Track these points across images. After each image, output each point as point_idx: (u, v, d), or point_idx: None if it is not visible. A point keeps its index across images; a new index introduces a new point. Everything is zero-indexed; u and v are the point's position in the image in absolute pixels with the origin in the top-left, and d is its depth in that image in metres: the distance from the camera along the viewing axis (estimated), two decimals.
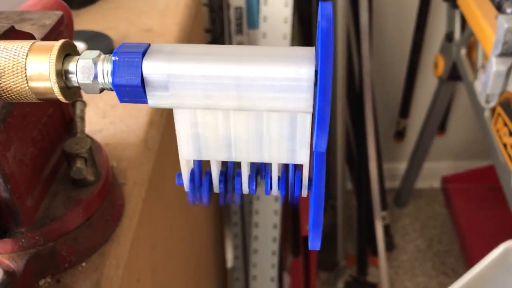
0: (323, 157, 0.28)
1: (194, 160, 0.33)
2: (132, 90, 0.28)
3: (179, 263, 0.79)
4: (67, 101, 0.29)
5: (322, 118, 0.24)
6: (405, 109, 1.69)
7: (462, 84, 1.37)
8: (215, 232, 1.24)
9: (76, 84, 0.29)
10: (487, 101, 0.86)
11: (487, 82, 0.84)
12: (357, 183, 1.54)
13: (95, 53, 0.29)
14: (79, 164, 0.41)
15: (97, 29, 0.75)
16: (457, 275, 1.57)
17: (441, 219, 1.80)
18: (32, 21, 0.40)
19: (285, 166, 0.32)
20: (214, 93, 0.28)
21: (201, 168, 0.33)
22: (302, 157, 0.30)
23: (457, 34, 1.20)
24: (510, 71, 0.81)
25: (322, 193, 0.28)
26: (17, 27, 0.34)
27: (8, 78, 0.28)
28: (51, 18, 0.41)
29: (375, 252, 1.52)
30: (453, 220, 1.69)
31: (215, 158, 0.31)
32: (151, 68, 0.28)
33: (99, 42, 0.69)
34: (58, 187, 0.43)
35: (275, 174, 0.32)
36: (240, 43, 1.20)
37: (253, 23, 1.17)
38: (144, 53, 0.28)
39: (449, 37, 1.24)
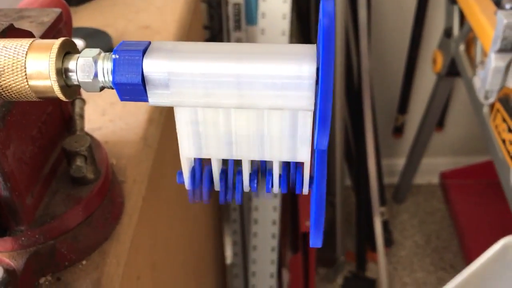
0: (324, 155, 0.27)
1: (194, 158, 0.33)
2: (133, 89, 0.28)
3: (178, 260, 0.79)
4: (67, 100, 0.29)
5: (323, 116, 0.24)
6: (403, 105, 1.69)
7: (460, 80, 1.38)
8: (214, 229, 1.24)
9: (76, 83, 0.29)
10: (486, 97, 0.86)
11: (486, 78, 0.84)
12: (356, 179, 1.54)
13: (95, 51, 0.29)
14: (79, 162, 0.41)
15: (95, 26, 0.75)
16: (456, 270, 1.58)
17: (439, 215, 1.80)
18: (30, 18, 0.40)
19: (286, 164, 0.32)
20: (215, 91, 0.28)
21: (202, 166, 0.33)
22: (303, 155, 0.30)
23: (455, 30, 1.20)
24: (509, 67, 0.81)
25: (324, 191, 0.28)
26: (16, 24, 0.34)
27: (7, 77, 0.28)
28: (50, 15, 0.41)
29: (374, 248, 1.53)
30: (452, 216, 1.70)
31: (216, 156, 0.31)
32: (151, 66, 0.27)
33: (97, 39, 0.69)
34: (57, 185, 0.43)
35: (276, 172, 0.32)
36: (238, 39, 1.20)
37: (251, 19, 1.17)
38: (144, 51, 0.28)
39: (447, 33, 1.24)
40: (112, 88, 0.28)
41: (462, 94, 1.66)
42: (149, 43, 0.28)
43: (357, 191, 1.54)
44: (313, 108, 0.27)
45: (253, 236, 1.27)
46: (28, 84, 0.28)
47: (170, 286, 0.71)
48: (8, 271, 0.37)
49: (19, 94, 0.29)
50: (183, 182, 0.33)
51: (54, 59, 0.28)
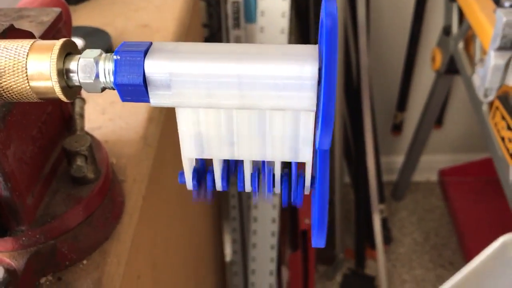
0: (326, 155, 0.27)
1: (196, 159, 0.33)
2: (134, 89, 0.28)
3: (178, 258, 0.79)
4: (68, 101, 0.29)
5: (326, 116, 0.24)
6: (402, 103, 1.69)
7: (459, 77, 1.38)
8: (214, 227, 1.24)
9: (77, 83, 0.29)
10: (486, 95, 0.86)
11: (486, 76, 0.84)
12: (355, 176, 1.54)
13: (97, 52, 0.29)
14: (80, 162, 0.41)
15: (94, 25, 0.75)
16: (454, 267, 1.58)
17: (438, 212, 1.81)
18: (30, 18, 0.40)
19: (288, 164, 0.32)
20: (216, 91, 0.28)
21: (204, 166, 0.33)
22: (305, 155, 0.30)
23: (454, 28, 1.20)
24: (509, 64, 0.81)
25: (327, 191, 0.28)
26: (15, 24, 0.34)
27: (8, 78, 0.28)
28: (50, 15, 0.40)
29: (373, 245, 1.53)
30: (450, 213, 1.70)
31: (218, 156, 0.31)
32: (153, 67, 0.27)
33: (97, 38, 0.69)
34: (58, 184, 0.43)
35: (277, 172, 0.32)
36: (237, 37, 1.20)
37: (250, 17, 1.17)
38: (146, 52, 0.28)
39: (446, 30, 1.24)
40: (114, 89, 0.28)
41: (461, 91, 1.66)
42: (151, 43, 0.28)
43: (356, 188, 1.54)
44: (315, 108, 0.27)
45: (252, 234, 1.27)
46: (29, 85, 0.28)
47: (170, 284, 0.71)
48: (9, 271, 0.37)
49: (20, 95, 0.29)
50: (185, 183, 0.33)
51: (55, 60, 0.28)
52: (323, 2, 0.26)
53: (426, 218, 1.79)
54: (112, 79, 0.28)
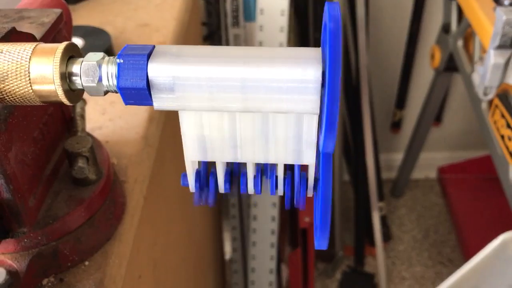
0: (330, 158, 0.27)
1: (199, 161, 0.33)
2: (138, 93, 0.27)
3: (178, 257, 0.79)
4: (71, 104, 0.29)
5: (330, 120, 0.24)
6: (401, 100, 1.69)
7: (458, 75, 1.38)
8: (213, 225, 1.24)
9: (80, 87, 0.29)
10: (485, 93, 0.86)
11: (485, 74, 0.84)
12: (354, 174, 1.54)
13: (99, 55, 0.28)
14: (81, 163, 0.41)
15: (94, 24, 0.74)
16: (454, 264, 1.59)
17: (437, 209, 1.81)
18: (30, 19, 0.40)
19: (290, 166, 0.32)
20: (220, 95, 0.27)
21: (206, 168, 0.33)
22: (308, 158, 0.30)
23: (453, 26, 1.19)
24: (508, 63, 0.81)
25: (330, 193, 0.28)
26: (16, 25, 0.33)
27: (11, 82, 0.28)
28: (50, 16, 0.40)
29: (372, 243, 1.53)
30: (449, 210, 1.70)
31: (221, 159, 0.31)
32: (156, 70, 0.27)
33: (96, 37, 0.69)
34: (59, 186, 0.43)
35: (280, 174, 0.32)
36: (236, 35, 1.20)
37: (249, 15, 1.16)
38: (149, 55, 0.28)
39: (445, 28, 1.24)
40: (117, 92, 0.28)
41: (460, 89, 1.67)
42: (153, 46, 0.28)
43: (355, 186, 1.54)
44: (318, 111, 0.27)
45: (252, 232, 1.27)
46: (32, 88, 0.28)
47: (171, 283, 0.71)
48: (11, 273, 0.37)
49: (23, 99, 0.29)
50: (187, 185, 0.33)
51: (58, 64, 0.28)
52: (326, 5, 0.26)
53: (425, 215, 1.80)
54: (115, 82, 0.28)
